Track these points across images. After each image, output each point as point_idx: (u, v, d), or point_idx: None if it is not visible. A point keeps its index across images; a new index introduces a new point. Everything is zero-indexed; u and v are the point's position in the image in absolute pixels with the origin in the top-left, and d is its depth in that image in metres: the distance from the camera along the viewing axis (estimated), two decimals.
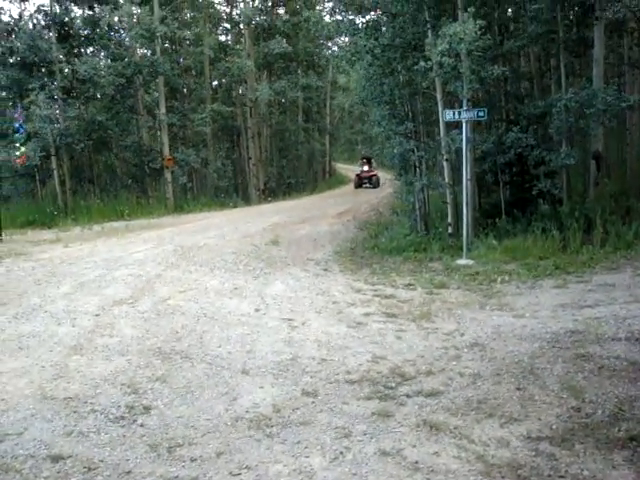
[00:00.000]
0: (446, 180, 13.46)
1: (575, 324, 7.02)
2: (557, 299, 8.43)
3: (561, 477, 3.88)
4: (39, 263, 12.10)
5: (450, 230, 13.41)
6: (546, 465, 4.00)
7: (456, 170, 13.02)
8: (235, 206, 26.92)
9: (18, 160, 19.62)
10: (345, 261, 12.37)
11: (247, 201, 30.38)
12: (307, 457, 4.20)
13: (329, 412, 4.94)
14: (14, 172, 23.49)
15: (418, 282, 10.01)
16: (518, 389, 5.26)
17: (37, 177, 25.08)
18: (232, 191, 32.02)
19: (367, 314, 8.01)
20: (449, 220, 13.54)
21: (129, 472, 4.07)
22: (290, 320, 7.73)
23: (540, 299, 8.52)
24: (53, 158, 23.46)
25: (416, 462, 4.08)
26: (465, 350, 6.39)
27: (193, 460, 4.20)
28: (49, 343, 6.87)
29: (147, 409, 5.08)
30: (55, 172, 23.82)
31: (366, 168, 36.97)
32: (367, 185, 36.22)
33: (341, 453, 4.23)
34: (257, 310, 8.28)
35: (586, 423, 4.56)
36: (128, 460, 4.23)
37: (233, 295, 9.16)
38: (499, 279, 9.80)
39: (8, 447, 4.43)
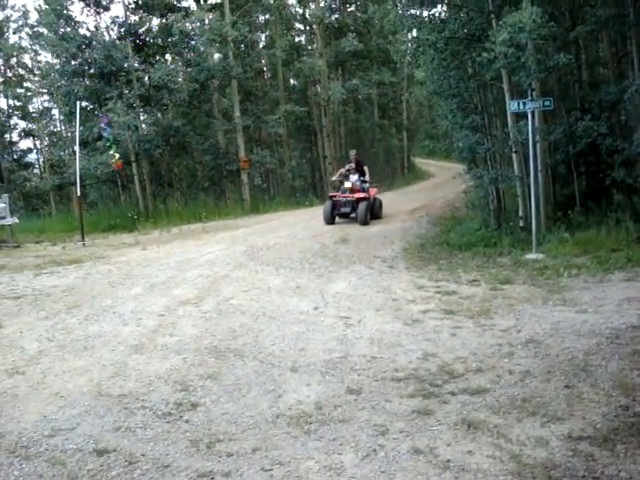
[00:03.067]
0: (516, 172, 13.20)
1: (639, 319, 6.79)
2: (625, 293, 8.15)
3: (595, 478, 3.78)
4: (116, 266, 12.55)
5: (522, 224, 13.14)
6: (582, 466, 3.91)
7: (527, 162, 12.74)
8: (311, 205, 27.09)
9: (114, 165, 20.32)
10: (412, 258, 12.30)
11: (323, 200, 30.49)
12: (340, 454, 4.25)
13: (370, 410, 4.97)
14: (97, 179, 24.41)
15: (483, 278, 9.88)
16: (567, 387, 5.15)
17: (119, 183, 25.98)
18: (308, 190, 32.25)
19: (425, 311, 7.97)
20: (520, 213, 13.27)
21: (167, 466, 4.24)
22: (346, 318, 7.78)
23: (607, 293, 8.27)
24: (133, 164, 24.23)
25: (448, 461, 4.06)
26: (519, 347, 6.28)
27: (229, 455, 4.33)
28: (113, 343, 7.15)
29: (194, 406, 5.25)
30: (136, 177, 24.59)
31: (354, 179, 17.76)
32: (347, 215, 17.50)
33: (374, 451, 4.26)
34: (315, 308, 8.36)
35: (632, 422, 4.43)
36: (168, 455, 4.40)
37: (294, 294, 9.27)
38: (566, 273, 9.56)
39: (58, 441, 4.67)
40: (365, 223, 16.62)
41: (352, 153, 18.96)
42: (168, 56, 27.55)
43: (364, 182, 17.84)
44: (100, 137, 21.41)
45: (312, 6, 33.80)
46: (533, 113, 11.59)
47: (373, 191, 18.36)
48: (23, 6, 36.49)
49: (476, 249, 12.53)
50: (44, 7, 28.19)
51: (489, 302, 8.25)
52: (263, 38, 35.30)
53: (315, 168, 35.24)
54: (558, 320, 7.13)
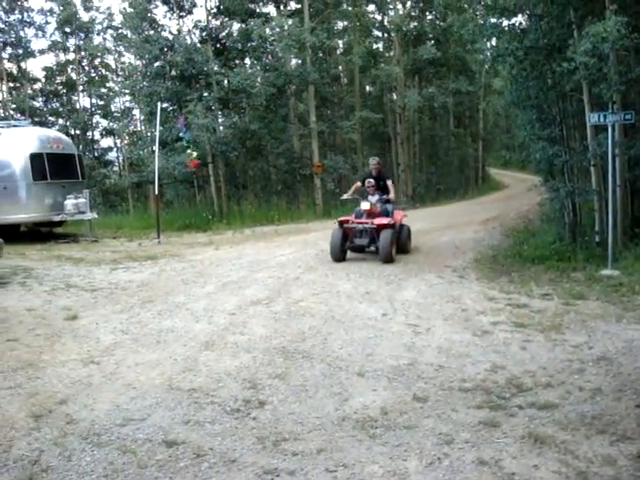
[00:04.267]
0: (594, 186, 12.92)
1: None
2: None
3: None
4: (190, 264, 12.85)
5: (597, 239, 12.85)
6: None
7: (605, 176, 12.45)
8: None
9: (190, 164, 20.81)
10: (483, 269, 12.17)
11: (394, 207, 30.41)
12: (404, 460, 4.27)
13: (436, 418, 4.97)
14: (174, 179, 25.01)
15: (556, 292, 9.70)
16: (638, 406, 5.03)
17: (195, 183, 26.56)
18: None
19: (495, 323, 7.88)
20: (596, 228, 12.98)
21: (234, 461, 4.34)
22: (415, 326, 7.76)
23: None
24: (210, 165, 24.74)
25: (512, 474, 4.03)
26: (590, 364, 6.16)
27: (295, 454, 4.40)
28: (184, 338, 7.34)
29: (262, 404, 5.35)
30: (212, 178, 25.11)
31: (374, 199, 13.22)
32: (363, 249, 13.03)
33: (439, 459, 4.27)
34: (384, 315, 8.37)
35: None
36: (235, 450, 4.51)
37: (363, 299, 9.30)
38: None
39: (130, 431, 4.84)
40: (389, 260, 12.10)
41: (373, 161, 13.88)
42: (247, 60, 28.07)
43: (387, 202, 13.16)
44: (179, 138, 21.95)
45: (391, 13, 33.83)
46: (613, 126, 11.32)
47: (399, 215, 13.63)
48: (108, 8, 37.68)
49: (549, 263, 12.31)
50: (129, 10, 29.07)
51: (561, 317, 8.11)
52: (341, 44, 35.45)
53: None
54: (632, 338, 6.96)
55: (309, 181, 27.71)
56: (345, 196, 14.23)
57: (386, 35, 36.36)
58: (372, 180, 13.27)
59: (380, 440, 4.60)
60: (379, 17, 36.66)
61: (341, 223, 12.77)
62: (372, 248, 12.63)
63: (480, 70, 37.07)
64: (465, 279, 11.04)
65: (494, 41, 14.82)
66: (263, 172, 31.11)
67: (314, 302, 9.09)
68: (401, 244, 13.22)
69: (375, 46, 37.64)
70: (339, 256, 12.46)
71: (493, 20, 13.95)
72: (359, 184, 13.66)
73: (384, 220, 12.48)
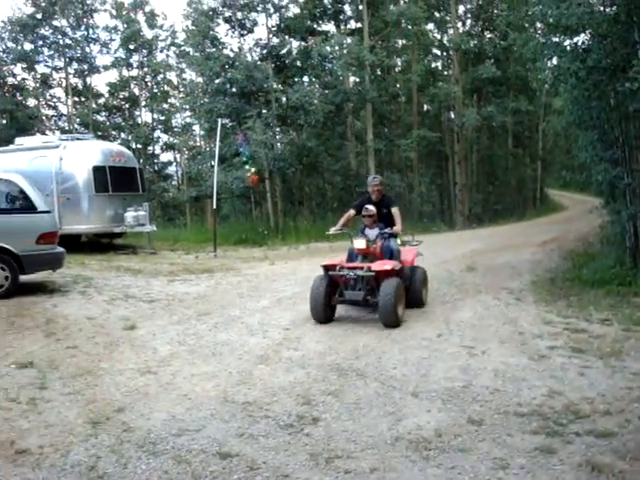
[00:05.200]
0: None
1: None
2: None
3: None
4: (245, 278, 12.99)
5: None
6: None
7: None
8: (438, 231, 26.90)
9: (249, 180, 21.09)
10: (541, 291, 11.95)
11: (451, 226, 30.23)
12: None
13: (491, 442, 4.89)
14: (232, 193, 25.33)
15: (616, 317, 9.45)
16: None
17: (252, 198, 26.85)
18: (436, 216, 32.05)
19: (552, 347, 7.73)
20: None
21: (287, 476, 4.37)
22: (470, 348, 7.67)
23: None
24: (267, 181, 25.00)
25: None
26: None
27: (347, 472, 4.39)
28: (239, 352, 7.43)
29: (315, 420, 5.37)
30: (268, 194, 25.37)
31: (372, 234, 9.70)
32: (358, 303, 9.25)
33: None
34: (439, 335, 8.30)
35: None
36: (288, 465, 4.53)
37: (418, 319, 9.25)
38: None
39: (185, 441, 4.92)
40: (393, 323, 8.61)
41: (373, 181, 10.30)
42: (306, 78, 28.30)
43: (391, 237, 9.74)
44: (237, 153, 22.26)
45: (450, 32, 33.76)
46: None
47: (411, 254, 10.28)
48: (171, 26, 38.26)
49: (609, 287, 12.00)
50: (191, 28, 29.71)
51: (621, 343, 7.90)
52: (399, 63, 35.54)
53: (444, 194, 35.01)
54: None
55: None
56: (332, 230, 10.05)
57: (445, 53, 36.30)
58: (371, 207, 9.72)
59: (434, 462, 4.56)
60: (438, 35, 36.66)
61: (327, 268, 9.17)
62: (373, 300, 8.92)
63: (540, 89, 36.54)
64: (522, 301, 10.86)
65: (555, 60, 14.63)
66: (319, 189, 31.28)
67: (369, 319, 9.10)
68: (413, 296, 9.74)
69: (434, 64, 37.60)
70: (322, 315, 8.90)
71: (555, 39, 13.79)
72: (352, 213, 10.07)
73: (386, 264, 9.03)
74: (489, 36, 35.83)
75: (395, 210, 9.97)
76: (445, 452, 4.72)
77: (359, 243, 9.32)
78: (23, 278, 10.49)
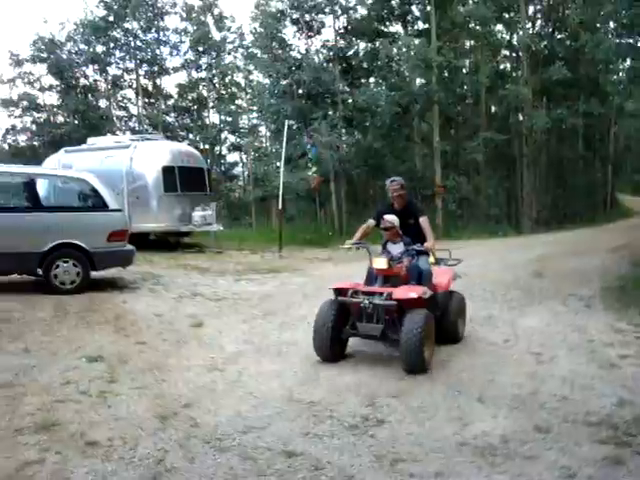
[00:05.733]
0: None
1: None
2: None
3: None
4: (310, 279, 13.06)
5: None
6: None
7: None
8: (505, 235, 26.50)
9: (314, 181, 21.26)
10: (611, 299, 11.63)
11: (518, 231, 29.69)
12: None
13: (558, 451, 4.80)
14: (297, 194, 25.50)
15: None
16: None
17: (317, 200, 26.97)
18: (503, 220, 31.55)
19: (623, 356, 7.52)
20: None
21: (351, 477, 4.39)
22: (538, 354, 7.54)
23: None
24: (332, 182, 25.08)
25: None
26: None
27: (412, 476, 4.38)
28: (305, 351, 7.46)
29: (380, 422, 5.38)
30: (333, 195, 25.44)
31: (396, 250, 7.67)
32: (375, 337, 7.18)
33: None
34: (506, 341, 8.19)
35: None
36: (352, 466, 4.55)
37: (485, 323, 9.15)
38: None
39: (250, 439, 4.99)
40: (417, 367, 6.69)
41: (393, 185, 8.03)
42: (372, 79, 28.27)
43: (421, 254, 7.78)
44: (303, 154, 22.42)
45: (520, 32, 33.18)
46: None
47: (445, 276, 8.24)
48: (238, 28, 38.63)
49: None
50: (259, 30, 30.00)
51: None
52: (467, 64, 35.11)
53: (512, 198, 34.39)
54: None
55: (430, 201, 27.52)
56: (347, 244, 8.06)
57: (514, 54, 35.66)
58: (391, 218, 7.69)
59: (500, 468, 4.50)
60: (507, 36, 36.05)
61: (338, 292, 7.33)
62: (394, 337, 6.90)
63: (613, 92, 35.58)
64: (591, 309, 10.61)
65: (629, 62, 14.30)
66: (384, 190, 31.20)
67: None
68: (446, 329, 7.80)
69: (503, 66, 36.99)
70: (328, 352, 7.12)
71: (629, 40, 13.48)
72: (372, 223, 8.06)
73: (412, 291, 7.04)
74: (559, 37, 35.03)
75: (423, 220, 7.88)
76: (511, 459, 4.66)
77: (379, 262, 7.36)
78: (94, 274, 10.78)
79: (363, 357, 7.30)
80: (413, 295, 6.93)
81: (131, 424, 5.42)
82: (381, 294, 7.04)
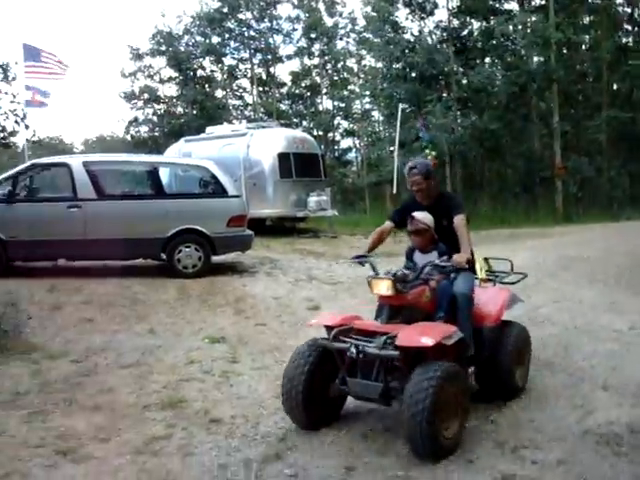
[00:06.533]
0: None
1: None
2: None
3: None
4: None
5: None
6: None
7: None
8: (629, 219, 25.30)
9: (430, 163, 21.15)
10: None
11: None
12: None
13: None
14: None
15: None
16: None
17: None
18: (627, 203, 30.11)
19: None
20: None
21: (471, 462, 4.40)
22: None
23: None
24: (447, 165, 24.77)
25: None
26: None
27: (534, 463, 4.33)
28: None
29: (501, 408, 5.33)
30: (448, 179, 25.12)
31: (431, 258, 5.31)
32: (371, 399, 4.90)
33: None
34: (631, 328, 7.83)
35: None
36: (472, 452, 4.54)
37: (608, 309, 8.79)
38: None
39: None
40: (426, 451, 4.39)
41: (414, 174, 5.61)
42: (487, 59, 27.64)
43: (455, 271, 5.30)
44: (417, 138, 22.22)
45: None
46: None
47: (500, 298, 5.71)
48: (350, 13, 38.62)
49: None
50: (371, 14, 29.88)
51: None
52: (587, 40, 33.66)
53: (636, 179, 32.77)
54: None
55: (549, 184, 26.67)
56: (356, 257, 5.79)
57: (637, 28, 33.86)
58: (422, 216, 5.45)
59: (626, 459, 4.36)
60: (629, 10, 34.25)
61: (329, 329, 5.14)
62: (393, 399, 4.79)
63: None
64: None
65: None
66: (499, 173, 30.48)
67: (555, 309, 8.77)
68: (496, 378, 5.46)
69: (625, 40, 35.20)
70: (302, 416, 5.04)
71: None
72: (389, 226, 5.79)
73: (426, 334, 4.64)
74: None
75: (459, 220, 5.37)
76: (639, 449, 4.49)
77: (380, 286, 5.00)
78: (214, 259, 11.14)
79: None
80: (426, 342, 4.49)
81: (252, 403, 5.62)
82: (383, 333, 4.78)
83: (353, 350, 4.70)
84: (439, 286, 5.22)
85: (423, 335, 4.55)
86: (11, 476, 4.35)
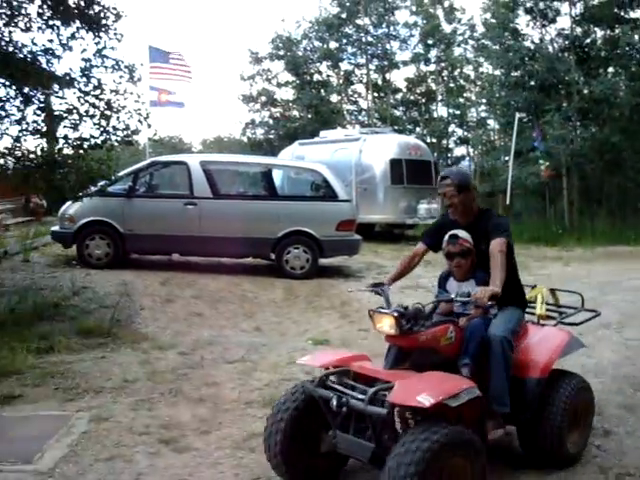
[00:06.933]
0: None
1: None
2: None
3: None
4: (536, 278, 12.59)
5: None
6: None
7: None
8: None
9: (544, 173, 20.67)
10: None
11: None
12: None
13: None
14: (525, 189, 24.74)
15: None
16: None
17: (547, 196, 25.96)
18: None
19: None
20: None
21: None
22: None
23: None
24: (564, 178, 24.01)
25: None
26: None
27: None
28: None
29: (607, 433, 5.12)
30: (564, 191, 24.35)
31: (468, 288, 4.25)
32: (368, 459, 3.86)
33: None
34: None
35: None
36: (575, 475, 4.40)
37: None
38: None
39: None
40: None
41: (443, 183, 4.58)
42: (611, 69, 26.61)
43: (501, 305, 4.36)
44: (533, 148, 21.68)
45: None
46: None
47: (554, 342, 4.69)
48: (469, 20, 38.03)
49: None
50: (490, 20, 29.39)
51: None
52: None
53: None
54: None
55: None
56: (373, 285, 4.67)
57: None
58: (462, 235, 4.51)
59: None
60: None
61: (321, 385, 4.17)
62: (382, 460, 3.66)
63: None
64: None
65: None
66: (620, 188, 29.24)
67: None
68: (543, 442, 4.37)
69: None
70: (289, 472, 4.22)
71: None
72: (422, 249, 4.94)
73: (426, 389, 3.64)
74: None
75: (495, 244, 4.28)
76: None
77: (383, 321, 4.06)
78: (322, 261, 11.25)
79: (590, 366, 6.87)
80: (422, 402, 3.53)
81: None
82: (384, 381, 3.96)
83: (334, 402, 3.89)
84: (468, 325, 4.25)
85: (423, 391, 3.59)
86: (115, 460, 4.55)
